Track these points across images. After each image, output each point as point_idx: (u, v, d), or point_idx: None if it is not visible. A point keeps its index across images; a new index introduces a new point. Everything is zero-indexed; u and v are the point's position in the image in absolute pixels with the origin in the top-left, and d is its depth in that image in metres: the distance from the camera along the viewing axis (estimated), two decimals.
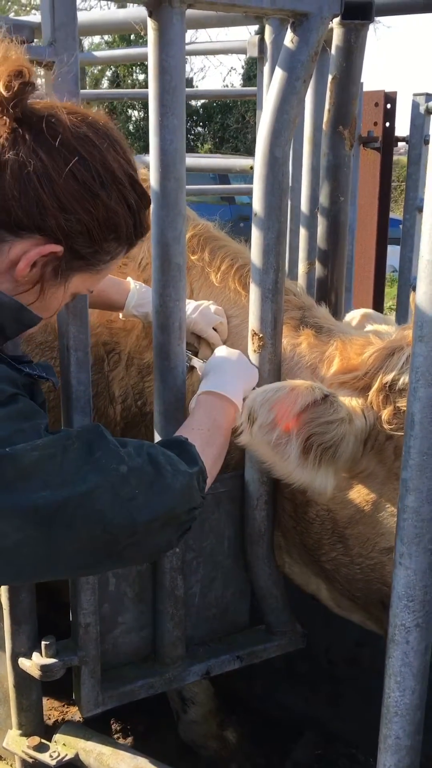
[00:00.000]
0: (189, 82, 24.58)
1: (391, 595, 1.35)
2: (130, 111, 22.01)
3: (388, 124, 4.26)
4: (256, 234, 1.82)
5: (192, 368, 1.94)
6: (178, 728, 2.94)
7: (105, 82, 24.79)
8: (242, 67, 22.99)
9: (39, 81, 1.46)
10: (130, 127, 23.61)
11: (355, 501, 1.77)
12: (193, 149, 22.48)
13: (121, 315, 2.07)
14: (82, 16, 1.49)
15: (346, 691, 2.86)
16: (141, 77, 22.35)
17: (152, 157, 1.67)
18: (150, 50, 1.62)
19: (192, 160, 4.09)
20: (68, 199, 1.33)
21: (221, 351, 1.84)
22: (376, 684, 2.84)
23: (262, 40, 2.80)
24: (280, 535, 2.05)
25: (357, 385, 1.75)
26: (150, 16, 1.60)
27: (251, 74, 22.10)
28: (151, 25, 1.60)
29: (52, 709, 3.10)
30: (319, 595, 2.06)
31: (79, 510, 1.25)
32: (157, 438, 1.85)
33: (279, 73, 1.73)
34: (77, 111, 1.41)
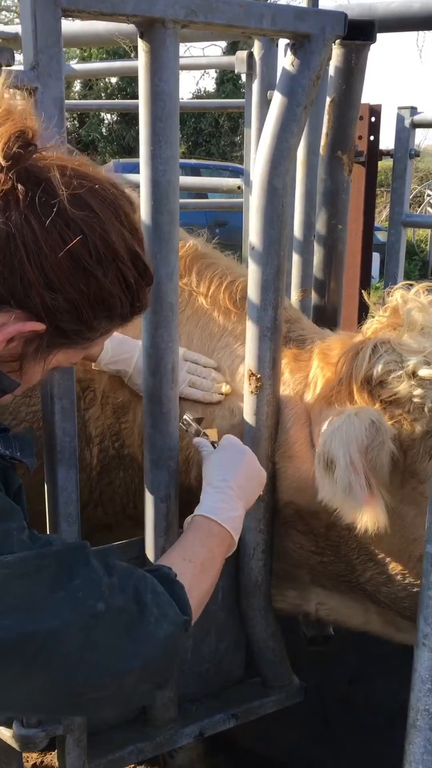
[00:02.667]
0: None
1: (413, 678, 1.24)
2: (102, 113, 21.78)
3: (372, 137, 4.17)
4: (253, 269, 1.70)
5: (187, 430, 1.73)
6: None
7: (77, 85, 24.55)
8: (215, 71, 22.87)
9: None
10: (103, 131, 23.40)
11: None
12: None
13: (93, 366, 1.90)
14: (65, 27, 1.36)
15: (339, 729, 2.76)
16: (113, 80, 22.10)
17: (143, 189, 1.55)
18: (141, 74, 1.49)
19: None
20: (58, 277, 1.17)
21: (226, 448, 1.60)
22: (370, 722, 2.75)
23: (251, 56, 2.68)
24: (306, 572, 1.93)
25: (341, 396, 1.67)
26: (141, 37, 1.47)
27: (224, 78, 22.03)
28: (142, 46, 1.48)
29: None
30: (371, 627, 1.93)
31: (43, 650, 1.07)
32: (147, 491, 1.72)
33: (278, 98, 1.61)
34: (81, 173, 1.23)
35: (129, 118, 20.62)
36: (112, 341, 1.84)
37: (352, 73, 1.85)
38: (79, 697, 1.14)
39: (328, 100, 1.91)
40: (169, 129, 1.50)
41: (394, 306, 1.72)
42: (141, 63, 1.48)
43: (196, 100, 13.32)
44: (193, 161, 14.58)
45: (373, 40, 1.80)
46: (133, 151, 16.40)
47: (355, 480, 1.50)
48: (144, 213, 1.56)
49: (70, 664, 1.09)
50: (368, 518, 1.54)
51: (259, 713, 2.01)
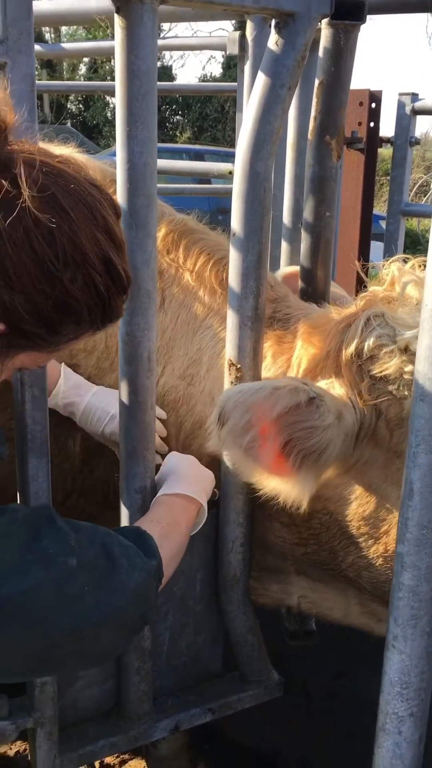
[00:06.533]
0: (168, 70, 24.23)
1: (382, 680, 1.20)
2: (107, 97, 21.61)
3: (372, 124, 4.10)
4: (234, 256, 1.66)
5: None
6: (147, 764, 2.80)
7: (82, 68, 24.37)
8: (222, 56, 22.67)
9: None
10: (108, 114, 23.22)
11: (357, 494, 1.63)
12: (172, 138, 22.21)
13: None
14: (36, 6, 1.31)
15: (323, 723, 2.74)
16: None
17: (119, 171, 1.50)
18: (117, 51, 1.44)
19: (169, 163, 3.90)
20: (20, 277, 1.11)
21: (172, 458, 1.67)
22: (354, 717, 2.73)
23: (243, 37, 2.62)
24: (290, 563, 1.90)
25: (327, 370, 1.62)
26: (118, 12, 1.42)
27: (231, 63, 21.83)
28: (118, 22, 1.42)
29: None
30: (351, 619, 1.90)
31: (19, 611, 1.09)
32: (122, 482, 1.68)
33: (261, 78, 1.56)
34: (56, 170, 1.17)
35: None
36: (66, 382, 1.84)
37: (341, 54, 1.79)
38: (55, 651, 1.17)
39: (316, 82, 1.85)
40: (146, 109, 1.45)
41: (389, 279, 1.67)
42: (117, 40, 1.43)
43: (187, 84, 13.14)
44: (197, 147, 14.48)
45: (362, 20, 1.73)
46: None
47: (255, 442, 1.46)
48: (120, 196, 1.51)
49: (47, 622, 1.13)
50: (277, 487, 1.51)
51: (236, 708, 1.98)
